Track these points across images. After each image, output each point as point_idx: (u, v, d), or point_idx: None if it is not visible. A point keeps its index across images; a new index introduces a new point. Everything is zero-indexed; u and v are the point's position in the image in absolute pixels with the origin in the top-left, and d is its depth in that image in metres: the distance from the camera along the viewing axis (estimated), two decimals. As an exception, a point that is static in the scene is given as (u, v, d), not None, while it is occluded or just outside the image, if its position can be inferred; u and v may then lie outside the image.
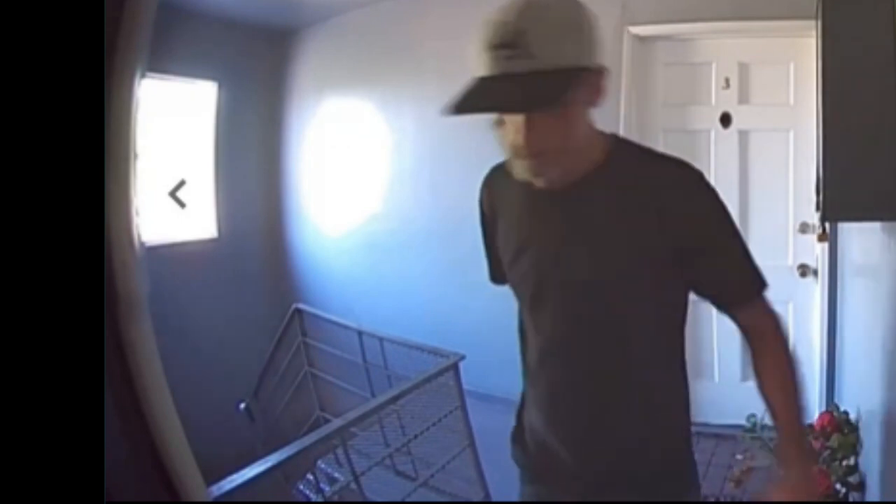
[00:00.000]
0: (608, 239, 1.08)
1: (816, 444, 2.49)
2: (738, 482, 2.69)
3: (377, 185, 4.59)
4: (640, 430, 1.13)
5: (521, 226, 1.16)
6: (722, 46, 3.31)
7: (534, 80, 0.94)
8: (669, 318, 1.14)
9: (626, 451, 1.14)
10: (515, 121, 1.00)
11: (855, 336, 2.62)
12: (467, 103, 0.95)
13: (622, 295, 1.09)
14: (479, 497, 3.02)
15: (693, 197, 1.07)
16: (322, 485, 3.10)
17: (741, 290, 1.11)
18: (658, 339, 1.14)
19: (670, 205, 1.05)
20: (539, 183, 1.07)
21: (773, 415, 1.11)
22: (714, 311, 1.14)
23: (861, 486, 2.23)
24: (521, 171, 1.06)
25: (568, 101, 0.97)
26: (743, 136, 3.31)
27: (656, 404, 1.14)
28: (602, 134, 1.11)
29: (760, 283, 1.11)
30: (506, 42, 0.94)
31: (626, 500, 1.13)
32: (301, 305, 4.17)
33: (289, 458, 2.29)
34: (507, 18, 0.94)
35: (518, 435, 1.26)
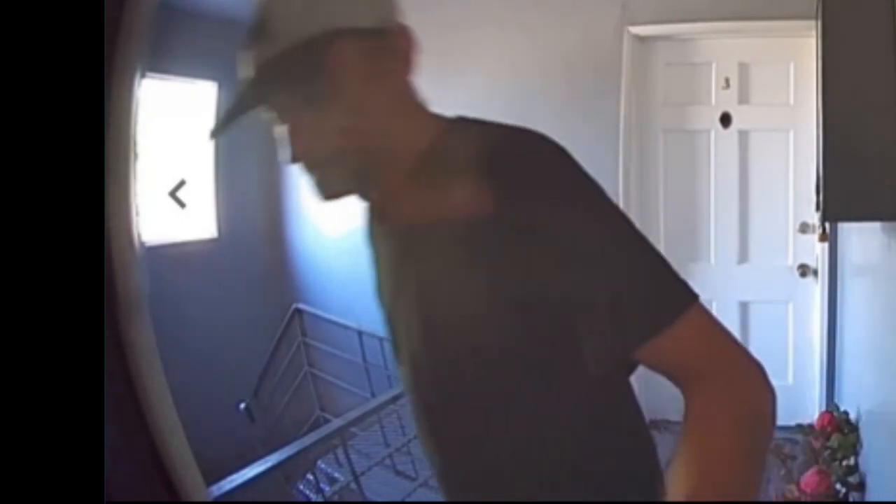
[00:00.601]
0: (430, 274, 0.79)
1: (816, 444, 2.50)
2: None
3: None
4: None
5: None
6: (722, 46, 3.31)
7: (276, 66, 0.73)
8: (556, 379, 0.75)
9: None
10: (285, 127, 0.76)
11: (855, 336, 2.62)
12: (219, 122, 0.76)
13: (450, 351, 0.78)
14: (478, 497, 3.02)
15: (542, 192, 0.69)
16: (322, 485, 3.11)
17: (653, 307, 0.69)
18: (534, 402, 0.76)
19: (510, 208, 0.69)
20: (345, 200, 0.82)
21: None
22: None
23: (861, 486, 2.24)
24: (311, 191, 0.79)
25: (332, 82, 0.72)
26: (743, 136, 3.29)
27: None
28: (435, 118, 0.81)
29: (685, 298, 0.70)
30: (253, 31, 0.76)
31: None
32: (301, 305, 4.18)
33: (289, 458, 2.30)
34: (258, 3, 0.75)
35: None
